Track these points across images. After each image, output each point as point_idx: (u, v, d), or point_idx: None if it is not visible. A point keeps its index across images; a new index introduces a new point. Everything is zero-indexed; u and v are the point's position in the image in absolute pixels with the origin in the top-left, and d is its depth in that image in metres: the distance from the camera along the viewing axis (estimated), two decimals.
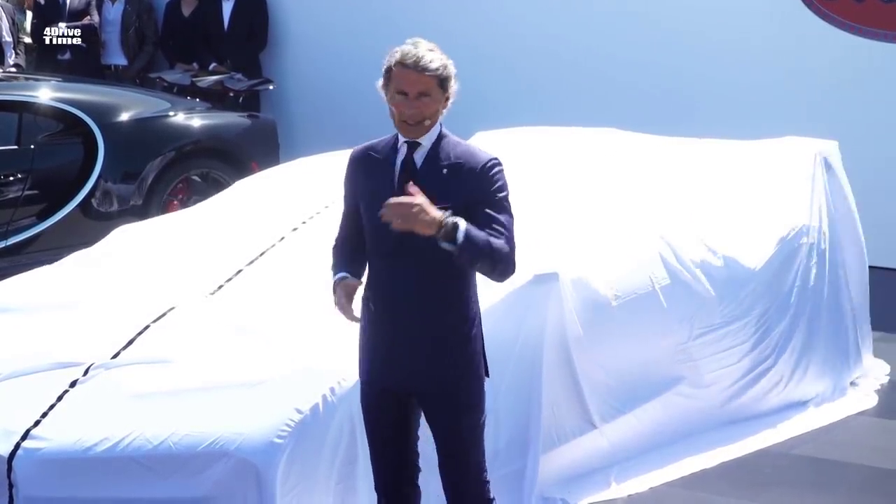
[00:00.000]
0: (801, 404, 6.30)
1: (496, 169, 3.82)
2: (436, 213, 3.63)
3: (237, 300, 5.23)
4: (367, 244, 3.95)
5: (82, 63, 11.17)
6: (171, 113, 8.95)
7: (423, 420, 4.06)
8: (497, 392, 4.76)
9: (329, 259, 4.09)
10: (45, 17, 11.41)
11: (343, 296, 3.92)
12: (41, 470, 4.44)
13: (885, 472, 5.69)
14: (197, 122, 9.07)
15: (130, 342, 4.97)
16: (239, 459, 4.32)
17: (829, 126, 8.01)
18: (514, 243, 3.80)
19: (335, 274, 4.00)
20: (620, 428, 5.50)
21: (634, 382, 5.55)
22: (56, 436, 4.50)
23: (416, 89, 3.76)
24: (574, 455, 5.31)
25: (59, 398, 4.69)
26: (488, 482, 4.05)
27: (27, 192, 8.15)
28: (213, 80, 10.67)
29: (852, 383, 6.61)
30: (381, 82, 3.86)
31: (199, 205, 6.76)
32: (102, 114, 8.50)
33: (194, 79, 10.71)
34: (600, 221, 5.79)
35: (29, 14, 12.15)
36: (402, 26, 10.20)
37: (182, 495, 4.37)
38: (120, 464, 4.40)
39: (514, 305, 4.96)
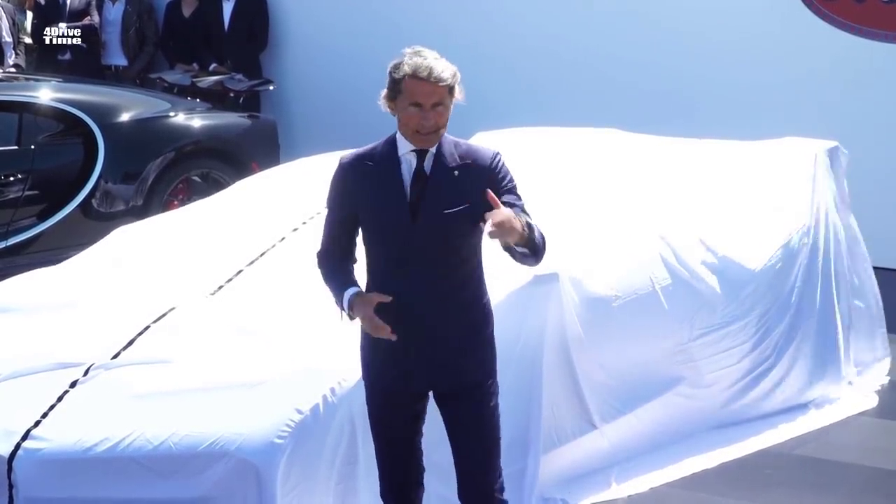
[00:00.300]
0: (801, 405, 6.29)
1: (501, 161, 3.90)
2: (519, 219, 3.69)
3: (237, 300, 5.23)
4: (367, 252, 3.92)
5: (82, 63, 11.15)
6: (172, 113, 8.94)
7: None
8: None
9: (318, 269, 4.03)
10: (46, 17, 11.39)
11: (370, 311, 3.80)
12: (41, 470, 4.45)
13: (886, 473, 5.69)
14: (197, 122, 9.06)
15: (131, 342, 4.97)
16: (239, 460, 4.32)
17: (829, 126, 8.01)
18: None
19: (342, 290, 3.90)
20: (621, 428, 5.50)
21: (635, 383, 5.55)
22: (56, 436, 4.50)
23: (431, 100, 3.78)
24: (574, 455, 5.31)
25: (60, 398, 4.69)
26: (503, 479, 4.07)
27: (27, 193, 8.14)
28: (213, 81, 10.65)
29: (850, 383, 6.60)
30: (383, 94, 3.85)
31: (198, 202, 6.74)
32: (103, 114, 8.49)
33: (194, 79, 10.70)
34: (601, 222, 5.79)
35: (29, 14, 12.13)
36: (402, 26, 10.24)
37: (182, 495, 4.37)
38: (120, 464, 4.41)
39: (515, 305, 4.95)
